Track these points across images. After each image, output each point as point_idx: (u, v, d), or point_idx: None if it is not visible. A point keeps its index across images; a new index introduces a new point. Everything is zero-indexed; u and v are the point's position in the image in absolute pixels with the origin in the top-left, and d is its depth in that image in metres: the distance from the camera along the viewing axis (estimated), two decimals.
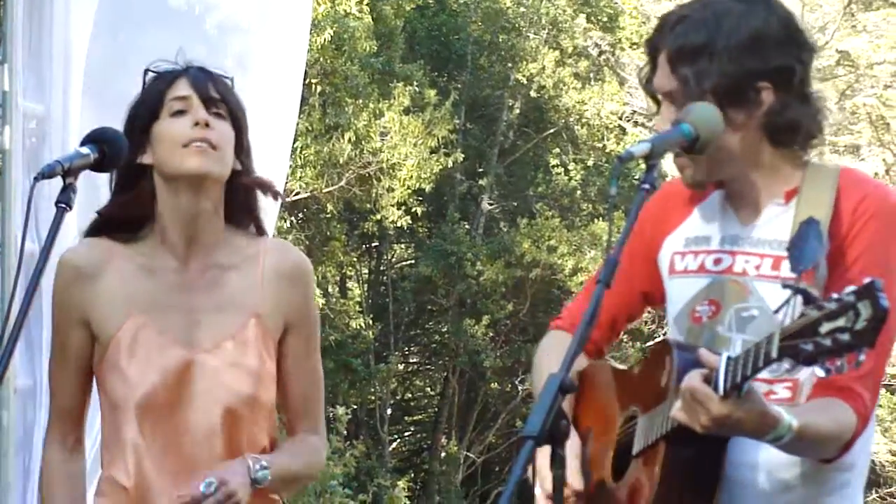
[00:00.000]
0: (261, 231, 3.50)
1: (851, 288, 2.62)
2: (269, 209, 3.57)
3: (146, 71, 3.45)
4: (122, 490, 3.35)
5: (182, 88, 3.38)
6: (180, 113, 3.36)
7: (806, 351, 2.65)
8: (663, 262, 3.26)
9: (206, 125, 3.33)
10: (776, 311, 2.90)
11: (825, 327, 2.63)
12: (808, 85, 3.11)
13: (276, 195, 3.53)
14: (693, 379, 2.86)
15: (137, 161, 3.34)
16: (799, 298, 2.70)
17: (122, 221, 3.40)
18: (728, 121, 3.02)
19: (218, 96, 3.39)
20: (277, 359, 3.44)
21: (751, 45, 3.04)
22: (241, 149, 3.43)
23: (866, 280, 2.61)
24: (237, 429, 3.35)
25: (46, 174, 3.04)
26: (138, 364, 3.33)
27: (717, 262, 3.16)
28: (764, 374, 2.99)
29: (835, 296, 2.64)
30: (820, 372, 2.66)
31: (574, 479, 3.18)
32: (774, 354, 2.70)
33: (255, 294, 3.40)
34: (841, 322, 2.61)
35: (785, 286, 2.80)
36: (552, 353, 3.32)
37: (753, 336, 3.03)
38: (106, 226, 3.41)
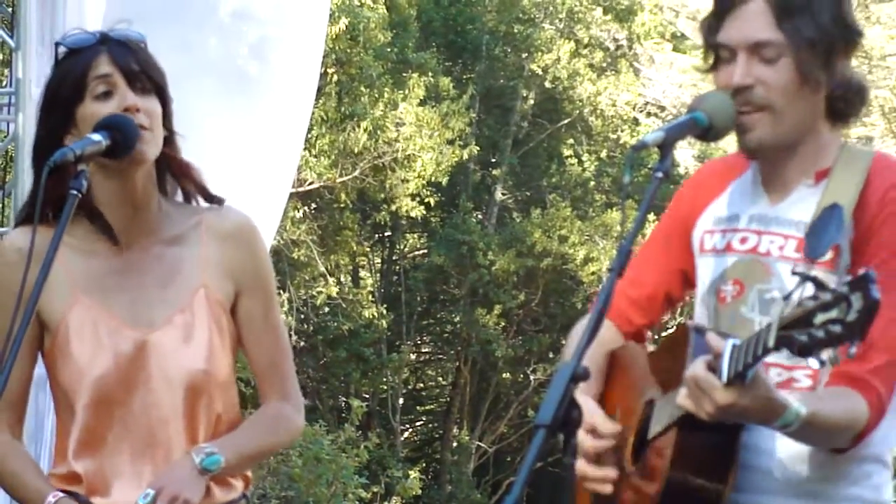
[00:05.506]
0: (194, 199, 3.36)
1: (847, 278, 2.60)
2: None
3: (57, 44, 3.28)
4: (76, 477, 3.25)
5: (104, 66, 3.22)
6: (105, 95, 3.21)
7: (800, 341, 2.64)
8: (695, 242, 3.25)
9: (137, 110, 3.19)
10: (785, 298, 2.87)
11: (819, 318, 2.61)
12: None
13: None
14: (697, 367, 2.84)
15: (64, 142, 3.19)
16: (809, 286, 2.69)
17: (51, 205, 3.17)
18: (810, 82, 3.03)
19: (140, 69, 3.24)
20: (235, 327, 3.33)
21: (839, 14, 3.05)
22: (167, 119, 3.29)
23: (861, 271, 2.59)
24: (195, 406, 3.26)
25: (59, 161, 3.03)
26: (88, 348, 3.23)
27: (744, 241, 3.15)
28: (784, 361, 3.00)
29: (832, 286, 2.62)
30: (814, 363, 2.65)
31: (606, 426, 3.15)
32: (771, 344, 2.68)
33: (199, 264, 3.29)
34: (834, 313, 2.59)
35: (794, 273, 2.79)
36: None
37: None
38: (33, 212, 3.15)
